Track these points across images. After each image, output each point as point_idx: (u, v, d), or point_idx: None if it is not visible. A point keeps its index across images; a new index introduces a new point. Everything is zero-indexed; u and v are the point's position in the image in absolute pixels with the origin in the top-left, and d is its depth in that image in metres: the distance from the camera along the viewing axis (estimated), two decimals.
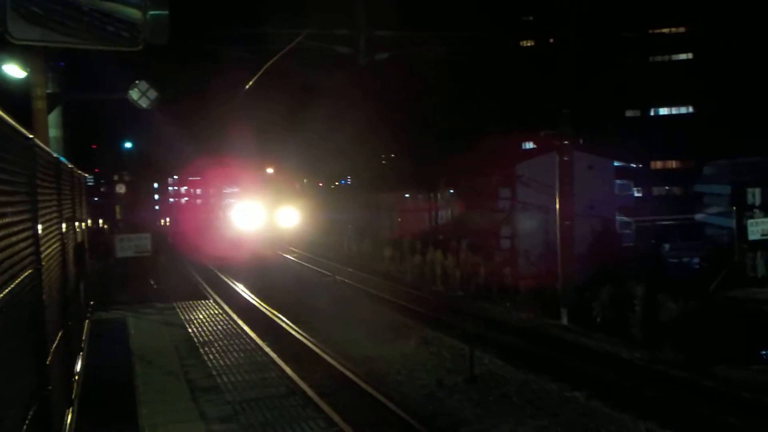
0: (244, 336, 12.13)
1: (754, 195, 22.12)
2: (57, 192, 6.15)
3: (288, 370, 10.11)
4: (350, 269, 26.07)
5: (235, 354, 10.72)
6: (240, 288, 21.22)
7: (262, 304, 18.04)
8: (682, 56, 46.00)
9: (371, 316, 16.61)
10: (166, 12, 7.92)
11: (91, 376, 8.67)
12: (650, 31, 45.45)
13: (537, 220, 22.48)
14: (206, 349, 11.09)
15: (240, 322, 13.53)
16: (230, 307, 15.86)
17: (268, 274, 24.35)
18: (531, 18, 46.02)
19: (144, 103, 12.38)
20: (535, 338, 14.10)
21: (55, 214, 5.89)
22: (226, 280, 23.25)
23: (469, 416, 9.37)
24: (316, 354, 12.43)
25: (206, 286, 21.40)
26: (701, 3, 40.91)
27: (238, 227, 34.73)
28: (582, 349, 13.20)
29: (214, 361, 10.30)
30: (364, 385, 10.26)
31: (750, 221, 15.85)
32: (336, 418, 8.07)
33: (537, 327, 15.40)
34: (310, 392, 9.10)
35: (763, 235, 15.37)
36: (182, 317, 13.93)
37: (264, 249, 32.65)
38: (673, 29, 46.25)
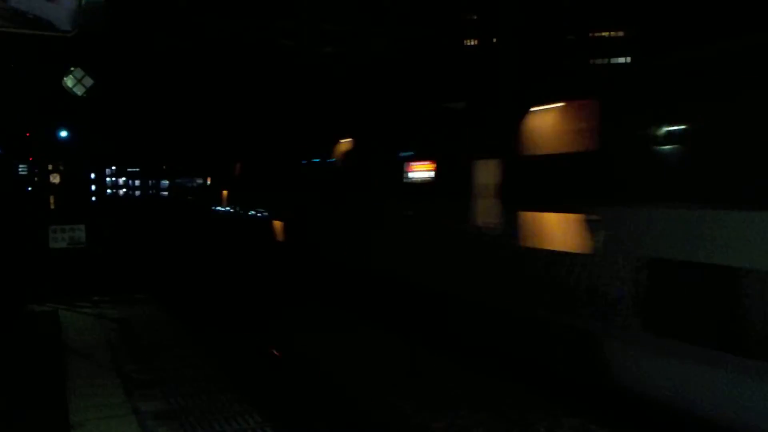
0: (180, 329, 11.98)
1: None
2: None
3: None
4: None
5: (172, 348, 10.57)
6: (178, 282, 20.86)
7: (201, 297, 17.78)
8: (621, 59, 47.24)
9: None
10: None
11: (18, 371, 8.45)
12: (591, 35, 46.48)
13: None
14: (142, 342, 10.91)
15: (178, 318, 13.34)
16: (168, 301, 15.61)
17: (208, 264, 24.03)
18: (475, 17, 46.49)
19: (79, 91, 12.08)
20: None
21: None
22: (164, 272, 22.83)
23: None
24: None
25: (145, 278, 20.95)
26: (639, 7, 41.97)
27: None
28: None
29: (150, 355, 10.13)
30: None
31: None
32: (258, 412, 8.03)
33: None
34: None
35: None
36: (118, 311, 13.66)
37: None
38: (613, 33, 47.43)
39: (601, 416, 8.09)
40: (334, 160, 17.26)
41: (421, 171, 12.41)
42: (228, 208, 31.61)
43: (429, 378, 9.91)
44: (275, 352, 11.61)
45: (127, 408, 7.78)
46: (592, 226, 7.90)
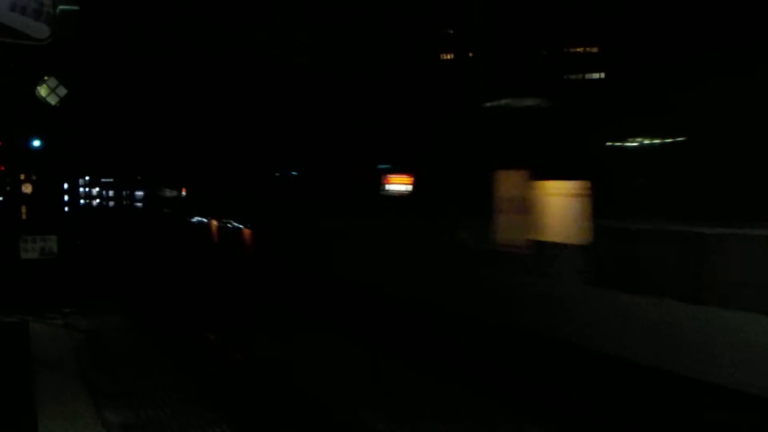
0: (150, 340, 11.93)
1: None
2: None
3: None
4: None
5: (141, 359, 10.52)
6: (151, 291, 20.70)
7: (172, 306, 17.66)
8: (595, 75, 47.68)
9: None
10: (77, 7, 7.75)
11: None
12: (565, 50, 46.92)
13: None
14: (112, 353, 10.84)
15: (147, 327, 13.27)
16: (139, 311, 15.51)
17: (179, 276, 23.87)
18: (451, 32, 46.72)
19: (52, 100, 12.02)
20: None
21: None
22: (137, 283, 22.65)
23: None
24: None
25: (116, 289, 20.76)
26: (613, 24, 42.49)
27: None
28: None
29: (119, 365, 10.07)
30: None
31: None
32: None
33: None
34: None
35: None
36: (89, 321, 13.55)
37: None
38: (587, 49, 47.92)
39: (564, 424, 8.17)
40: (296, 173, 17.59)
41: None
42: (202, 219, 31.48)
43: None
44: (238, 355, 11.61)
45: (96, 419, 7.73)
46: None
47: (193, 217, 33.10)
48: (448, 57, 46.18)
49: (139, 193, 71.22)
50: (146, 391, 8.87)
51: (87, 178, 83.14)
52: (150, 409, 8.13)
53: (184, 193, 41.35)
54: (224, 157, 31.32)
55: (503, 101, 10.08)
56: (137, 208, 70.56)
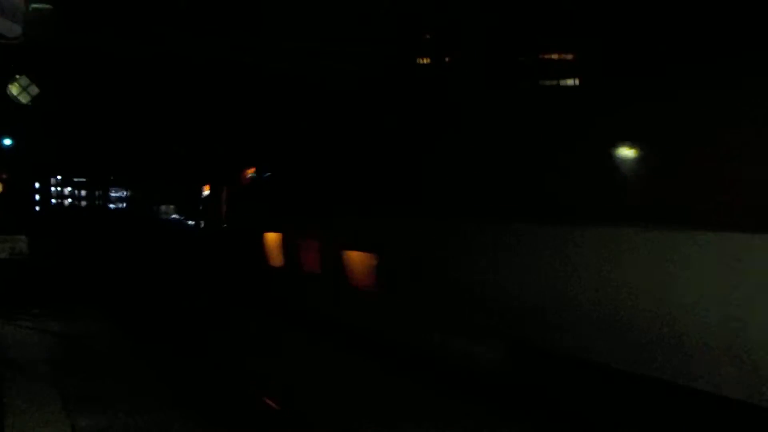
0: (123, 343, 11.79)
1: None
2: None
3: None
4: None
5: (113, 363, 10.38)
6: (121, 293, 20.51)
7: (145, 309, 17.51)
8: (570, 81, 48.21)
9: None
10: (49, 6, 7.65)
11: None
12: (541, 57, 47.34)
13: None
14: (83, 357, 10.69)
15: (121, 332, 13.12)
16: (113, 315, 15.33)
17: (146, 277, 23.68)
18: (428, 36, 46.88)
19: (24, 99, 11.83)
20: None
21: None
22: (111, 286, 22.43)
23: None
24: None
25: (89, 291, 20.54)
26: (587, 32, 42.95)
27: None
28: None
29: (91, 369, 9.93)
30: None
31: None
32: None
33: None
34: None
35: None
36: (59, 324, 13.36)
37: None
38: (563, 55, 48.45)
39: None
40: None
41: None
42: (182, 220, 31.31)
43: None
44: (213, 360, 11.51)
45: (67, 424, 7.60)
46: None
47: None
48: (424, 61, 46.25)
49: (114, 194, 70.68)
50: (119, 396, 8.75)
51: (59, 177, 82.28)
52: (123, 414, 8.01)
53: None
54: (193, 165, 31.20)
55: None
56: (110, 207, 69.91)
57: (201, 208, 28.24)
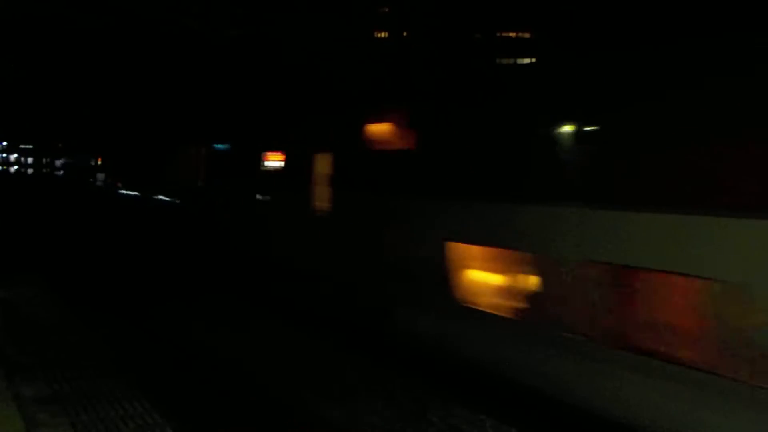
0: (68, 312, 11.61)
1: None
2: None
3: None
4: None
5: (57, 331, 10.22)
6: (70, 262, 20.14)
7: (92, 278, 17.23)
8: (526, 60, 48.49)
9: None
10: None
11: None
12: (498, 35, 47.43)
13: None
14: (26, 325, 10.50)
15: (65, 300, 12.90)
16: (57, 282, 15.05)
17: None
18: (387, 9, 46.56)
19: None
20: None
21: None
22: (55, 252, 22.00)
23: None
24: None
25: (35, 260, 20.14)
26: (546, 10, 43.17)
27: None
28: None
29: (34, 337, 9.77)
30: None
31: None
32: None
33: None
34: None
35: None
36: (2, 291, 13.08)
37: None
38: (519, 33, 48.60)
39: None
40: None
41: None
42: (128, 191, 30.74)
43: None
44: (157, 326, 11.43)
45: (7, 393, 7.48)
46: None
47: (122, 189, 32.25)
48: (382, 35, 46.05)
49: (60, 161, 68.94)
50: (62, 364, 8.64)
51: (4, 144, 79.98)
52: (66, 383, 7.92)
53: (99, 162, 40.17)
54: (147, 129, 30.57)
55: None
56: (57, 175, 68.26)
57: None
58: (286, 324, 12.55)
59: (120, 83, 32.53)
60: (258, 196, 15.21)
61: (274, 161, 14.40)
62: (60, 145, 66.30)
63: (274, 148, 14.61)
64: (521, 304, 7.72)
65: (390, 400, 8.66)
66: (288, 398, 8.67)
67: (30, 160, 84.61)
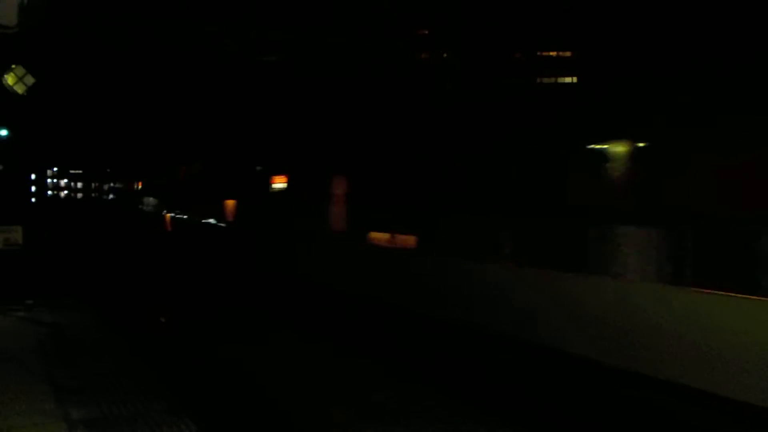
0: (115, 336, 11.78)
1: None
2: None
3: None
4: None
5: (105, 354, 10.36)
6: (113, 286, 20.47)
7: (140, 302, 17.49)
8: (568, 79, 48.10)
9: None
10: None
11: None
12: (538, 54, 47.20)
13: None
14: (76, 348, 10.67)
15: (114, 324, 13.10)
16: (106, 308, 15.30)
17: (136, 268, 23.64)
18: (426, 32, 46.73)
19: (20, 89, 11.75)
20: None
21: None
22: (103, 277, 22.41)
23: None
24: None
25: (83, 283, 20.52)
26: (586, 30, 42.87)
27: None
28: None
29: (83, 361, 9.91)
30: None
31: None
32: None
33: None
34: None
35: None
36: (53, 315, 13.32)
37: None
38: (560, 53, 48.31)
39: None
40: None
41: None
42: (177, 215, 31.25)
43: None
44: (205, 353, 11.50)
45: (58, 415, 7.59)
46: None
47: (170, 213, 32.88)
48: (424, 57, 46.12)
49: (110, 187, 70.39)
50: (108, 386, 8.74)
51: (55, 169, 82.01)
52: (114, 405, 8.00)
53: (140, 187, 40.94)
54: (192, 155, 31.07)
55: None
56: (105, 200, 69.68)
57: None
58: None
59: (166, 110, 33.14)
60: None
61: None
62: (108, 170, 67.72)
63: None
64: None
65: None
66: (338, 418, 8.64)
67: (79, 184, 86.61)
